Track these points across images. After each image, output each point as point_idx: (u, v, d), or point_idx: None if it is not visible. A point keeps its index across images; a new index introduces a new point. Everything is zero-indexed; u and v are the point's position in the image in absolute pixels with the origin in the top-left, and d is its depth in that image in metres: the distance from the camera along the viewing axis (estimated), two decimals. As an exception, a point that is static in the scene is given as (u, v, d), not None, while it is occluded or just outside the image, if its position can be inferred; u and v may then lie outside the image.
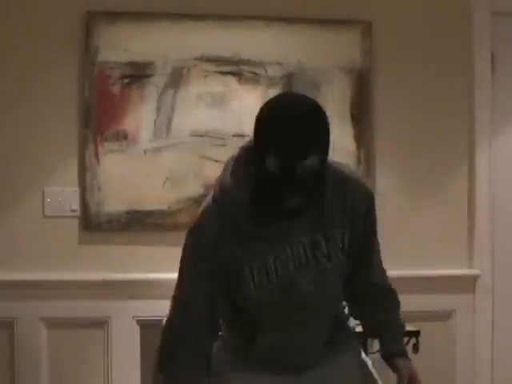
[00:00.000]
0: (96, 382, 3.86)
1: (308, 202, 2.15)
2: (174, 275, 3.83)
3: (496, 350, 4.18)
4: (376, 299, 2.41)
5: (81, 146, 3.82)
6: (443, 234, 4.09)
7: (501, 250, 4.17)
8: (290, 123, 2.06)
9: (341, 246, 2.28)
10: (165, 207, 3.83)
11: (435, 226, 4.08)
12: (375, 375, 2.49)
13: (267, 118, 2.11)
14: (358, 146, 3.96)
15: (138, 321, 3.86)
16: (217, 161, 3.83)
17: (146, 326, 3.85)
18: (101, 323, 3.84)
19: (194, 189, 3.84)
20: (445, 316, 4.05)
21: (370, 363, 2.54)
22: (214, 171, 3.83)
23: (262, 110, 2.16)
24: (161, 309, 3.78)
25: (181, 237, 3.83)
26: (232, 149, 3.78)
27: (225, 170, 2.30)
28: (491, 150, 4.14)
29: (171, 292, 3.78)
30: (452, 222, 4.11)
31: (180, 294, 2.43)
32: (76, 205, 3.83)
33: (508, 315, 4.20)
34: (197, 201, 3.82)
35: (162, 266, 3.82)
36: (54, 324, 3.82)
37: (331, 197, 2.22)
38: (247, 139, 3.76)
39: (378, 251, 2.44)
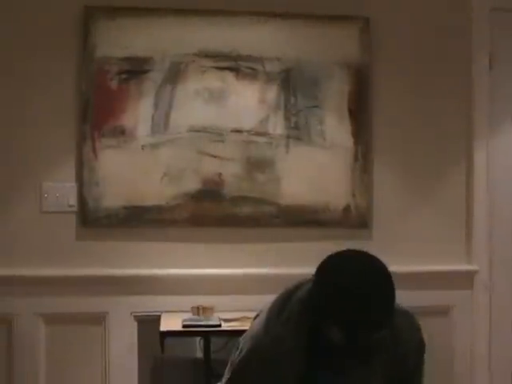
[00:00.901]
0: (94, 377, 3.85)
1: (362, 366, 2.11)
2: (172, 271, 3.87)
3: (493, 345, 4.18)
4: None
5: (78, 141, 3.81)
6: (442, 230, 4.09)
7: (499, 245, 4.17)
8: (363, 303, 1.96)
9: None
10: (163, 203, 3.82)
11: (434, 222, 4.08)
12: None
13: (336, 288, 1.99)
14: (356, 143, 3.96)
15: (135, 316, 3.85)
16: (215, 156, 3.84)
17: (143, 321, 3.85)
18: (99, 319, 3.83)
19: (191, 184, 3.83)
20: (443, 311, 4.05)
21: None
22: (211, 167, 3.86)
23: (328, 271, 2.05)
24: (158, 304, 3.81)
25: (179, 232, 3.87)
26: (230, 144, 3.86)
27: (278, 310, 2.19)
28: (489, 146, 4.13)
29: (169, 288, 3.82)
30: (450, 218, 4.11)
31: None
32: (73, 200, 3.82)
33: (506, 310, 4.20)
34: (194, 196, 3.83)
35: (160, 262, 3.83)
36: (51, 320, 3.81)
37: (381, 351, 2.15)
38: (245, 135, 3.83)
39: None
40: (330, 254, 2.11)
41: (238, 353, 2.27)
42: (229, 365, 2.32)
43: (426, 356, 2.38)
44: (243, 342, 2.27)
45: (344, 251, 2.11)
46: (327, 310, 2.00)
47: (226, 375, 2.31)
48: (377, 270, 2.06)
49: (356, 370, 2.14)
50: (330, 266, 2.07)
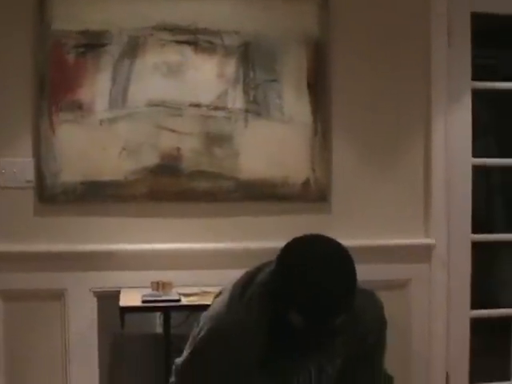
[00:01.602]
0: (54, 354, 3.83)
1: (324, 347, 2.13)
2: (131, 246, 3.85)
3: (451, 318, 4.22)
4: None
5: (35, 116, 3.76)
6: (400, 205, 4.11)
7: (456, 219, 4.20)
8: (326, 290, 1.97)
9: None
10: (121, 178, 3.79)
11: (392, 197, 4.09)
12: None
13: (298, 271, 1.99)
14: (315, 117, 3.94)
15: (95, 292, 3.83)
16: (173, 131, 3.81)
17: (103, 297, 3.83)
18: (57, 295, 3.81)
19: (150, 159, 3.80)
20: (401, 285, 4.08)
21: None
22: (170, 141, 3.83)
23: (290, 260, 2.04)
24: (118, 280, 3.79)
25: (137, 207, 3.84)
26: (188, 119, 3.83)
27: (240, 292, 2.19)
28: (447, 123, 4.14)
29: (128, 263, 3.81)
30: (409, 193, 4.13)
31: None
32: (31, 176, 3.77)
33: (462, 283, 4.24)
34: (152, 171, 3.81)
35: (118, 237, 3.81)
36: (9, 297, 3.78)
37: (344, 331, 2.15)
38: (204, 109, 3.80)
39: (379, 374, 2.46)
40: (293, 237, 2.11)
41: (198, 330, 2.27)
42: (190, 340, 2.32)
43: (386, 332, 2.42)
44: (204, 321, 2.27)
45: (307, 236, 2.11)
46: (288, 293, 2.01)
47: (187, 350, 2.31)
48: (339, 254, 2.06)
49: (317, 352, 2.16)
50: (293, 250, 2.07)
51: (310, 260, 2.01)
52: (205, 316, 2.29)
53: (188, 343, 2.31)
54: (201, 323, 2.27)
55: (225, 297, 2.23)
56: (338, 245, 2.08)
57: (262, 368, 2.18)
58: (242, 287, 2.19)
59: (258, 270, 2.21)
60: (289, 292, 2.00)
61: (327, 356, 2.29)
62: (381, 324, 2.38)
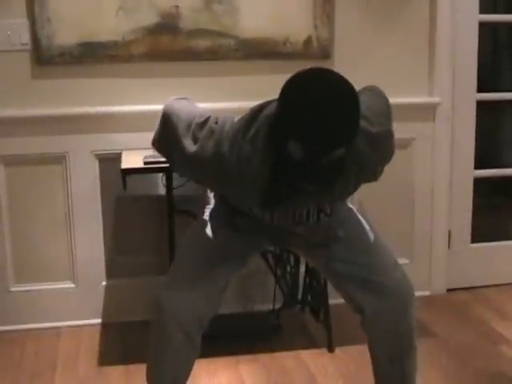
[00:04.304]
0: (57, 217, 3.87)
1: (325, 186, 2.11)
2: (131, 107, 3.80)
3: (455, 177, 4.23)
4: None
5: (26, -25, 3.64)
6: (404, 62, 4.03)
7: (461, 78, 4.15)
8: (324, 117, 1.94)
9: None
10: (119, 38, 3.69)
11: (396, 54, 4.01)
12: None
13: (298, 104, 1.97)
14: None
15: (96, 155, 3.82)
16: (171, -13, 3.70)
17: (104, 159, 3.82)
18: (59, 159, 3.80)
19: (148, 18, 3.68)
20: (405, 144, 4.06)
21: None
22: (168, -2, 3.71)
23: (292, 89, 2.02)
24: (119, 142, 3.77)
25: (137, 68, 3.77)
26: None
27: (245, 127, 2.18)
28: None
29: (128, 125, 3.78)
30: (413, 51, 4.05)
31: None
32: (26, 38, 3.68)
33: (466, 143, 4.23)
34: (151, 30, 3.70)
35: (118, 99, 3.76)
36: (11, 161, 3.77)
37: (346, 170, 2.14)
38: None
39: None
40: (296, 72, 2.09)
41: (204, 123, 2.31)
42: (188, 122, 2.36)
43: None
44: (210, 130, 2.26)
45: (311, 69, 2.08)
46: (288, 120, 2.00)
47: (185, 131, 2.34)
48: (342, 85, 2.05)
49: (317, 192, 2.15)
50: (295, 81, 2.05)
51: (312, 89, 2.00)
52: (214, 125, 2.29)
53: (185, 123, 2.35)
54: (209, 123, 2.30)
55: (230, 128, 2.22)
56: (342, 77, 2.07)
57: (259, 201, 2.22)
58: (246, 124, 2.18)
59: (262, 107, 2.20)
60: (289, 119, 1.99)
61: (327, 199, 2.31)
62: (386, 155, 2.49)
